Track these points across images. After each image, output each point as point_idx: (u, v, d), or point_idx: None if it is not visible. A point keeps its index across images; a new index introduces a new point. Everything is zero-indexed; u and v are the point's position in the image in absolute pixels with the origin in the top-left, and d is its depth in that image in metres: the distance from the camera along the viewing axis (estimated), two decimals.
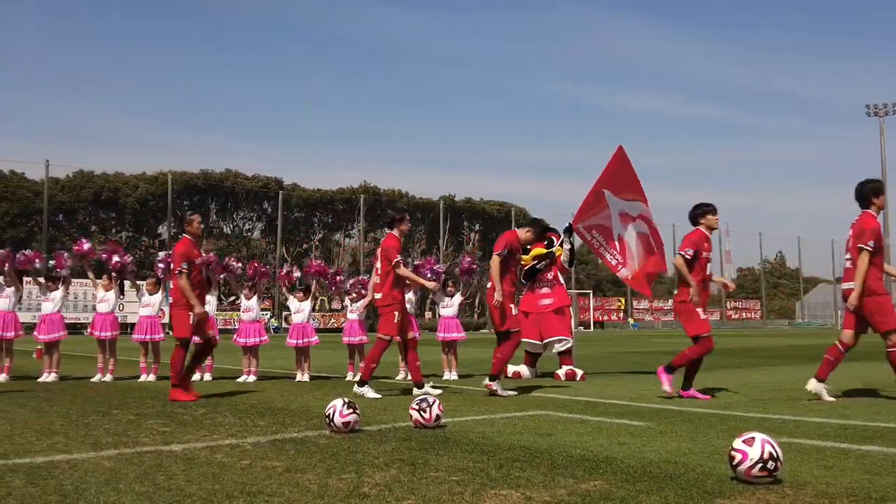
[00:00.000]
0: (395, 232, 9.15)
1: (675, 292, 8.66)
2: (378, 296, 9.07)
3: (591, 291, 62.99)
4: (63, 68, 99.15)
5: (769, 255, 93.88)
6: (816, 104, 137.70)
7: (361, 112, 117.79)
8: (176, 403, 8.11)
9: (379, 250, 9.16)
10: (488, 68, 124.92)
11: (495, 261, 8.83)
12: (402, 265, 8.93)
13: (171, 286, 8.99)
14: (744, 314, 72.58)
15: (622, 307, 63.68)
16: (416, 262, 12.02)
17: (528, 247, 11.84)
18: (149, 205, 57.10)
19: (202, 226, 9.43)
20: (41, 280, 11.44)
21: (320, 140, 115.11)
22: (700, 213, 8.70)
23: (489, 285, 9.03)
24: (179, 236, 8.48)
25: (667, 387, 8.38)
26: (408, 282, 9.64)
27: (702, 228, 8.68)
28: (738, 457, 4.16)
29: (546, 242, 11.71)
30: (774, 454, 4.13)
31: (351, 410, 5.97)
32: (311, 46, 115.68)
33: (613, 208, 11.67)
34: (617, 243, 11.59)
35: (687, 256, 8.43)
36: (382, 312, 8.99)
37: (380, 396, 8.63)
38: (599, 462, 4.76)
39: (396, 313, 8.87)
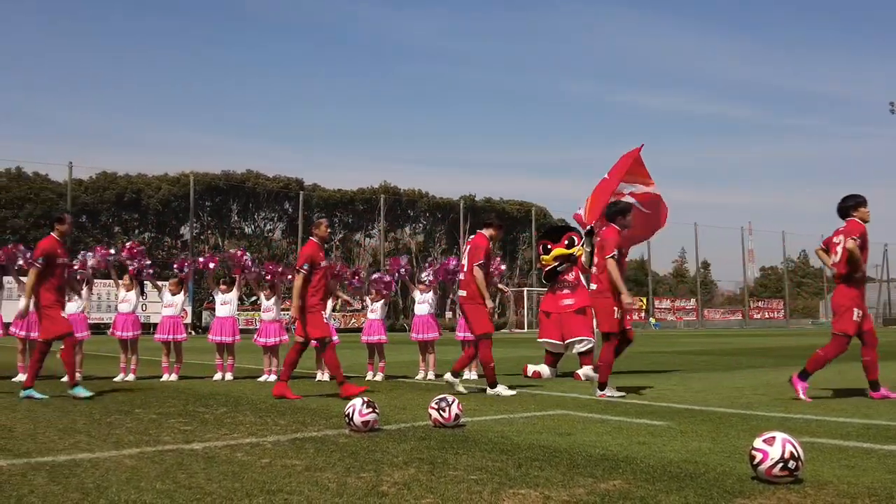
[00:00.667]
0: (486, 232, 9.15)
1: (835, 286, 8.33)
2: (463, 293, 9.09)
3: None
4: (84, 71, 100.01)
5: (792, 254, 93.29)
6: (840, 102, 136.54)
7: (381, 112, 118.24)
8: (198, 402, 8.15)
9: (468, 248, 9.20)
10: (509, 68, 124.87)
11: (612, 264, 8.41)
12: (480, 267, 8.91)
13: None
14: (767, 313, 72.04)
15: (643, 307, 63.38)
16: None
17: (549, 247, 11.84)
18: (171, 206, 57.46)
19: (329, 230, 9.49)
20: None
21: (340, 140, 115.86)
22: (852, 204, 8.30)
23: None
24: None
25: (802, 395, 8.03)
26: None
27: (856, 220, 8.25)
28: (759, 456, 4.13)
29: (567, 243, 11.71)
30: (795, 453, 4.10)
31: (370, 410, 5.99)
32: (332, 47, 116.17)
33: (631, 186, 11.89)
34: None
35: (858, 243, 8.04)
36: (469, 310, 9.03)
37: (514, 393, 8.65)
38: (619, 461, 4.74)
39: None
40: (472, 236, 9.30)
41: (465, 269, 9.07)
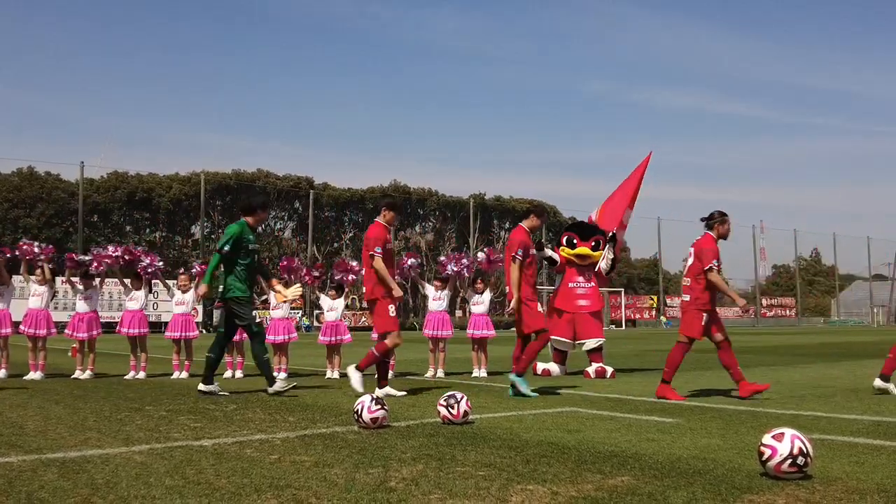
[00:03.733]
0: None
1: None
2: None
3: (623, 289, 62.63)
4: (96, 72, 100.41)
5: (804, 252, 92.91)
6: (854, 100, 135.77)
7: (392, 111, 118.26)
8: (208, 399, 8.17)
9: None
10: (519, 67, 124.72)
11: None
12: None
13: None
14: (778, 312, 71.80)
15: (654, 305, 63.25)
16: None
17: (575, 241, 11.79)
18: (182, 205, 57.70)
19: (730, 227, 8.68)
20: (74, 280, 11.57)
21: (350, 139, 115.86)
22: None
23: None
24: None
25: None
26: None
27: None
28: (768, 452, 4.12)
29: (593, 244, 11.67)
30: (804, 450, 4.09)
31: (379, 407, 5.99)
32: (342, 47, 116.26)
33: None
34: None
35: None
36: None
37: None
38: (627, 458, 4.73)
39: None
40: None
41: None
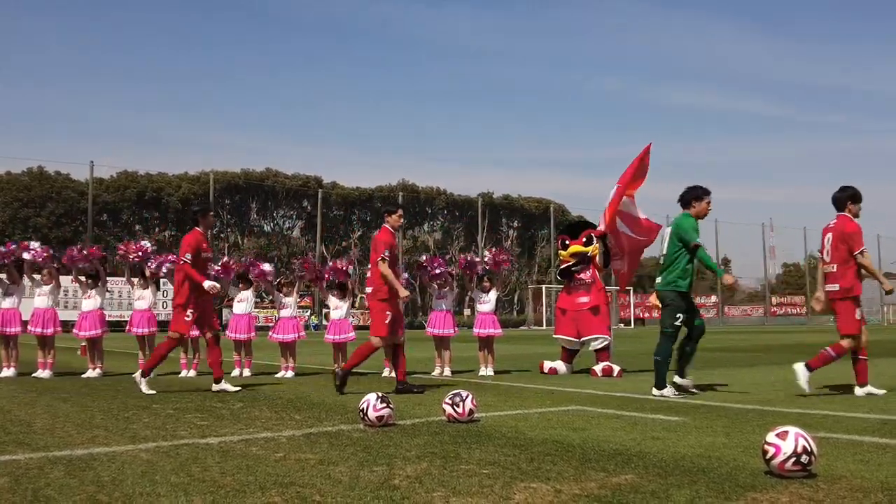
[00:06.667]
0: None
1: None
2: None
3: (632, 288, 62.50)
4: (105, 71, 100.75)
5: (814, 249, 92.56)
6: (864, 98, 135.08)
7: (400, 110, 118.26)
8: (215, 398, 8.20)
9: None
10: (527, 65, 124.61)
11: None
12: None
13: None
14: (788, 309, 71.55)
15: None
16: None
17: (568, 242, 11.79)
18: (191, 204, 57.79)
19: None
20: (81, 278, 11.62)
21: (359, 138, 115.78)
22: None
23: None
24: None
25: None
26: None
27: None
28: (771, 451, 4.12)
29: (584, 240, 11.66)
30: (808, 448, 4.08)
31: (384, 405, 6.01)
32: (351, 45, 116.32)
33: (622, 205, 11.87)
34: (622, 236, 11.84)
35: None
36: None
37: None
38: (631, 456, 4.73)
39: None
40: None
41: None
